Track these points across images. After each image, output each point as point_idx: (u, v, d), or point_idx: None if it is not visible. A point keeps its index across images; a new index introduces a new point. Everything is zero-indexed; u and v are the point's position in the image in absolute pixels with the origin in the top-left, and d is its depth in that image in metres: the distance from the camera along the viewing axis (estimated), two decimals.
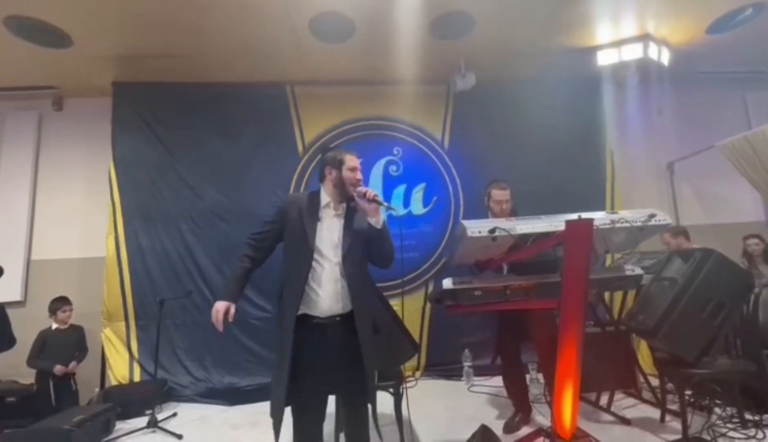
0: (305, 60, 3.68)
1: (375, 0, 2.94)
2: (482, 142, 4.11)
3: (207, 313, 3.88)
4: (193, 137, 3.90)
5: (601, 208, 4.01)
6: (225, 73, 3.84)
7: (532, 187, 3.59)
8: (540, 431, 2.00)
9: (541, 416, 2.61)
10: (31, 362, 3.20)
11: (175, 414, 3.12)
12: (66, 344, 3.35)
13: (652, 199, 4.18)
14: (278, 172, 3.94)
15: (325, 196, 1.73)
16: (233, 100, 3.95)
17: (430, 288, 3.91)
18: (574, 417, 1.82)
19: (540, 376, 3.02)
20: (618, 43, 3.61)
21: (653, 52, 3.55)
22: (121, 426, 2.87)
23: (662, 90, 4.24)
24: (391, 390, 2.30)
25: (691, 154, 4.15)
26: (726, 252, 2.13)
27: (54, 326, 3.37)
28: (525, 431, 2.38)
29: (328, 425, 1.79)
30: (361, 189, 1.70)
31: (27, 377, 3.26)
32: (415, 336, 3.52)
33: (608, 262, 3.38)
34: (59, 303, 3.38)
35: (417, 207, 4.08)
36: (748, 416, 2.35)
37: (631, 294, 2.91)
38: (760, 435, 2.23)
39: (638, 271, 1.95)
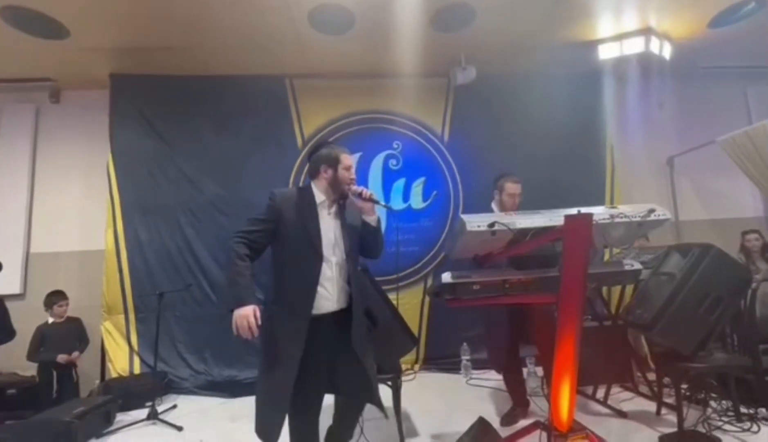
0: (304, 52, 3.65)
1: None
2: (482, 136, 4.10)
3: (206, 306, 3.92)
4: (192, 130, 3.88)
5: (601, 202, 4.01)
6: (223, 66, 3.81)
7: (532, 182, 3.53)
8: (537, 424, 2.02)
9: (539, 410, 2.63)
10: (31, 356, 3.22)
11: (175, 406, 3.14)
12: (66, 335, 3.36)
13: (651, 194, 4.18)
14: (277, 165, 3.93)
15: (319, 194, 1.71)
16: (232, 93, 3.93)
17: (429, 282, 3.92)
18: (571, 410, 1.83)
19: (538, 370, 3.04)
20: (619, 37, 3.58)
21: (655, 46, 3.53)
22: (122, 418, 2.89)
23: (663, 84, 4.22)
24: (390, 383, 2.31)
25: (691, 149, 4.14)
26: (724, 247, 2.13)
27: (51, 320, 3.38)
28: (522, 423, 2.40)
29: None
30: (357, 188, 1.70)
31: (27, 369, 3.28)
32: (414, 330, 3.54)
33: (606, 256, 3.38)
34: (55, 297, 3.39)
35: (416, 201, 4.08)
36: (743, 410, 2.38)
37: (630, 289, 2.92)
38: (754, 428, 2.25)
39: (637, 266, 1.96)
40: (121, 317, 3.61)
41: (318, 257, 1.61)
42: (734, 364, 2.28)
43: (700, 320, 2.04)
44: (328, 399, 1.73)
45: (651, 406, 2.63)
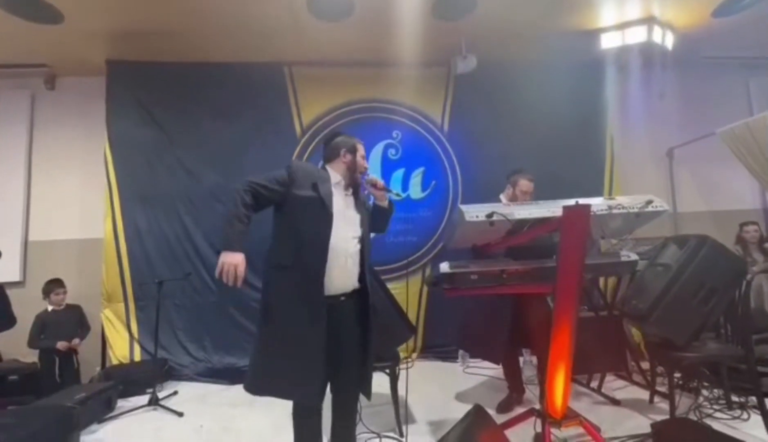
0: (303, 39, 3.60)
1: None
2: (482, 126, 4.07)
3: (206, 294, 3.94)
4: (190, 118, 3.85)
5: (600, 193, 4.01)
6: (221, 53, 3.76)
7: (532, 172, 3.57)
8: (532, 411, 2.06)
9: (535, 397, 2.67)
10: (32, 343, 3.25)
11: (175, 392, 3.18)
12: (66, 322, 3.39)
13: (650, 185, 4.17)
14: (276, 154, 3.90)
15: (336, 175, 1.76)
16: (230, 81, 3.88)
17: (428, 272, 3.94)
18: (566, 398, 1.87)
19: (533, 359, 3.08)
20: (622, 26, 3.54)
21: (657, 35, 3.49)
22: (123, 404, 2.93)
23: (665, 75, 4.18)
24: (387, 371, 2.34)
25: (691, 141, 4.13)
26: (722, 239, 2.15)
27: (50, 308, 3.39)
28: (518, 411, 2.44)
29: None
30: (372, 178, 1.81)
31: (28, 356, 3.31)
32: (412, 319, 3.58)
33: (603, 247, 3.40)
34: (52, 285, 3.40)
35: (415, 191, 4.07)
36: (734, 398, 2.42)
37: (626, 280, 2.94)
38: (744, 416, 2.30)
39: (633, 257, 1.97)
40: (121, 305, 3.63)
41: (329, 217, 1.62)
42: (727, 354, 2.31)
43: (694, 310, 2.06)
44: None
45: (644, 394, 2.68)
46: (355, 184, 1.79)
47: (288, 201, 1.64)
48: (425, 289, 3.90)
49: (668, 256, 2.21)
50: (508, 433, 1.98)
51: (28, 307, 3.27)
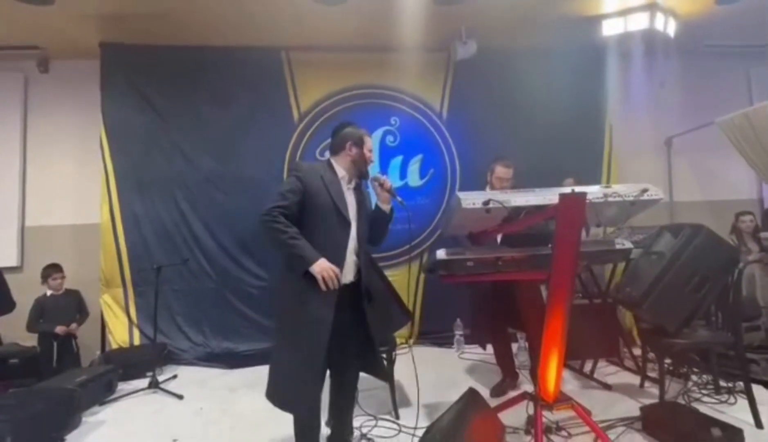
0: (301, 23, 3.54)
1: None
2: (481, 113, 4.05)
3: (204, 280, 3.95)
4: (186, 103, 3.80)
5: (598, 181, 4.02)
6: (216, 37, 3.69)
7: (530, 160, 3.55)
8: (525, 395, 2.11)
9: (528, 382, 2.73)
10: (31, 327, 3.27)
11: (175, 376, 3.23)
12: (65, 307, 3.41)
13: (648, 174, 4.17)
14: (274, 140, 3.88)
15: (340, 170, 1.76)
16: (226, 66, 3.82)
17: (425, 259, 3.96)
18: (558, 382, 1.91)
19: (527, 344, 3.12)
20: (624, 12, 3.49)
21: (659, 22, 3.44)
22: (123, 387, 2.97)
23: (666, 63, 4.14)
24: (384, 356, 2.38)
25: (690, 130, 4.12)
26: (718, 229, 2.17)
27: (48, 292, 3.41)
28: (512, 395, 2.49)
29: None
30: (380, 177, 1.78)
31: (28, 340, 3.34)
32: (409, 305, 3.61)
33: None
34: (50, 270, 3.41)
35: (414, 179, 4.07)
36: (722, 384, 2.48)
37: (620, 268, 2.97)
38: (731, 400, 2.36)
39: (628, 245, 1.99)
40: (120, 290, 3.65)
41: (346, 224, 1.68)
42: (717, 340, 2.36)
43: (686, 297, 2.09)
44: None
45: (635, 379, 2.74)
46: (360, 177, 1.79)
47: (306, 208, 1.65)
48: (422, 276, 3.93)
49: (663, 244, 2.23)
50: (501, 416, 2.03)
51: (26, 292, 3.28)
